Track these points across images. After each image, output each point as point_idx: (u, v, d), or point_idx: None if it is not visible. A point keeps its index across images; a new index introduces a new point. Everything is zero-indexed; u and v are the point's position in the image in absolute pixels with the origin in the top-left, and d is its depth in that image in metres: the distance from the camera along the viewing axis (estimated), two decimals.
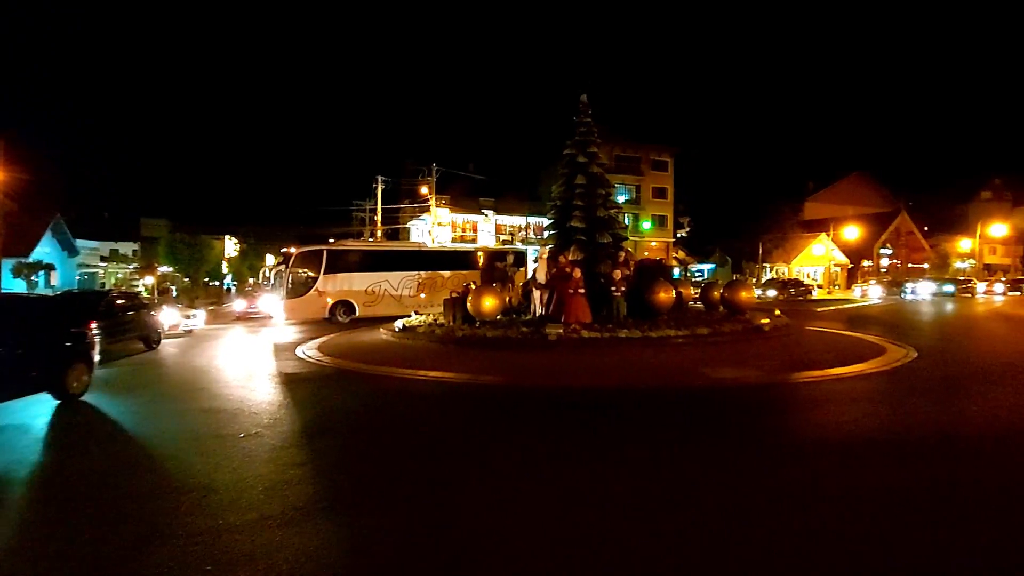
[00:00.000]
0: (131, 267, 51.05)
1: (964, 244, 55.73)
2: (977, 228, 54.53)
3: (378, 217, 39.54)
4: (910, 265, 52.83)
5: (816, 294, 40.70)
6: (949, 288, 37.32)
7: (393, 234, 50.51)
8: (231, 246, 61.23)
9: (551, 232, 17.01)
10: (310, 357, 12.43)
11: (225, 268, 56.25)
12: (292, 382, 9.55)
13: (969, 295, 36.73)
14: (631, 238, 35.44)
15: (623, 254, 15.20)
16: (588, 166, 16.44)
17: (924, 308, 27.07)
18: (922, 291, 36.95)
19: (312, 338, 15.76)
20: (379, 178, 38.54)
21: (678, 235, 52.62)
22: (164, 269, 47.09)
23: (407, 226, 46.95)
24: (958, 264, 53.97)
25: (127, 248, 54.35)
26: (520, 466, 5.12)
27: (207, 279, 51.62)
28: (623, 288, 14.00)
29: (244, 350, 14.59)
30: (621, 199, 40.85)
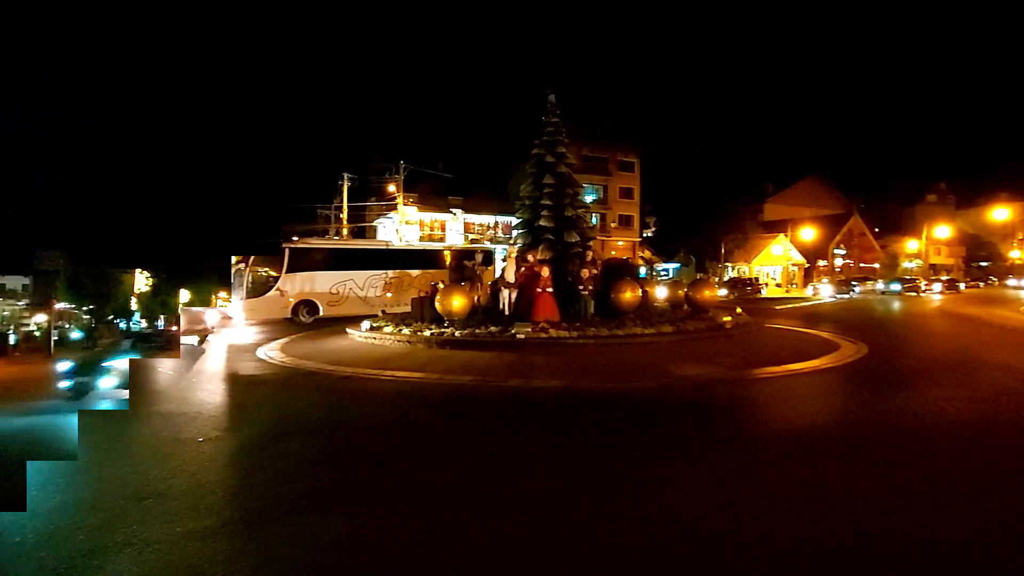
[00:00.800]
0: (21, 303, 46.33)
1: (911, 245, 58.58)
2: (923, 230, 57.41)
3: (344, 215, 38.82)
4: (862, 265, 55.13)
5: (764, 292, 42.78)
6: (896, 287, 39.86)
7: (359, 232, 49.70)
8: (142, 280, 56.37)
9: (520, 231, 17.06)
10: (272, 358, 12.14)
11: (134, 304, 51.07)
12: (253, 384, 9.31)
13: (914, 293, 38.95)
14: (598, 237, 35.94)
15: (591, 253, 15.37)
16: (556, 166, 16.56)
17: (873, 306, 28.35)
18: (861, 289, 40.12)
19: (273, 339, 15.38)
20: (345, 175, 37.87)
21: (644, 235, 53.54)
22: (62, 306, 42.42)
23: (374, 224, 46.28)
24: (906, 264, 56.67)
25: (16, 283, 49.70)
26: (491, 467, 5.11)
27: (112, 317, 46.35)
28: (591, 287, 14.14)
29: (204, 354, 14.13)
30: (589, 199, 41.32)
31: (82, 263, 44.99)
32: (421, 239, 39.90)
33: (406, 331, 13.85)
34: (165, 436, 6.17)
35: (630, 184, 49.98)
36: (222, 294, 43.48)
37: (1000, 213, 51.08)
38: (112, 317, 46.22)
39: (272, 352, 12.89)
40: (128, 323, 47.41)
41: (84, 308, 43.45)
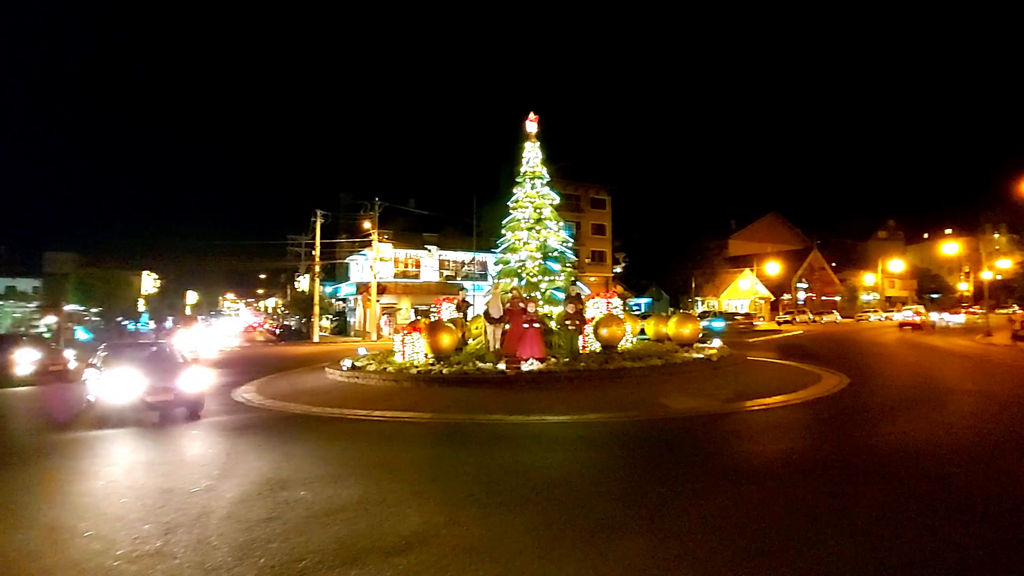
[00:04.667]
0: (32, 305, 46.02)
1: (868, 279, 61.24)
2: (878, 264, 60.19)
3: (316, 252, 38.23)
4: (824, 298, 57.20)
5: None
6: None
7: (332, 268, 48.93)
8: (149, 282, 57.20)
9: (503, 267, 17.07)
10: (249, 400, 11.59)
11: (142, 306, 52.05)
12: (235, 428, 8.81)
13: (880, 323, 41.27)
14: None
15: (575, 289, 15.44)
16: (536, 201, 16.78)
17: (840, 336, 29.31)
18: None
19: (245, 381, 14.66)
20: (318, 212, 37.49)
21: (615, 270, 54.41)
22: (72, 307, 42.69)
23: (346, 261, 45.68)
24: (864, 297, 59.07)
25: (27, 285, 49.32)
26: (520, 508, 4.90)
27: (120, 318, 47.29)
28: (576, 322, 14.17)
29: None
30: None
31: (91, 265, 44.25)
32: (396, 275, 39.52)
33: (391, 369, 13.51)
34: (151, 486, 5.73)
35: (602, 220, 51.06)
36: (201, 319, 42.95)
37: (950, 247, 54.11)
38: (121, 319, 46.16)
39: (248, 394, 12.33)
40: (136, 324, 47.64)
41: (93, 310, 42.70)
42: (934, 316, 41.20)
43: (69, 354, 18.67)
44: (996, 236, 59.04)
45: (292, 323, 43.89)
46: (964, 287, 57.21)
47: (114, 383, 9.05)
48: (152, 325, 48.37)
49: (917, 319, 34.97)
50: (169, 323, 48.96)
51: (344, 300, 46.11)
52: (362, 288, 38.69)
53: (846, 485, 5.20)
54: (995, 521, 4.31)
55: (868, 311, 54.33)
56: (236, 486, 5.65)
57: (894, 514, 4.44)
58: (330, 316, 46.03)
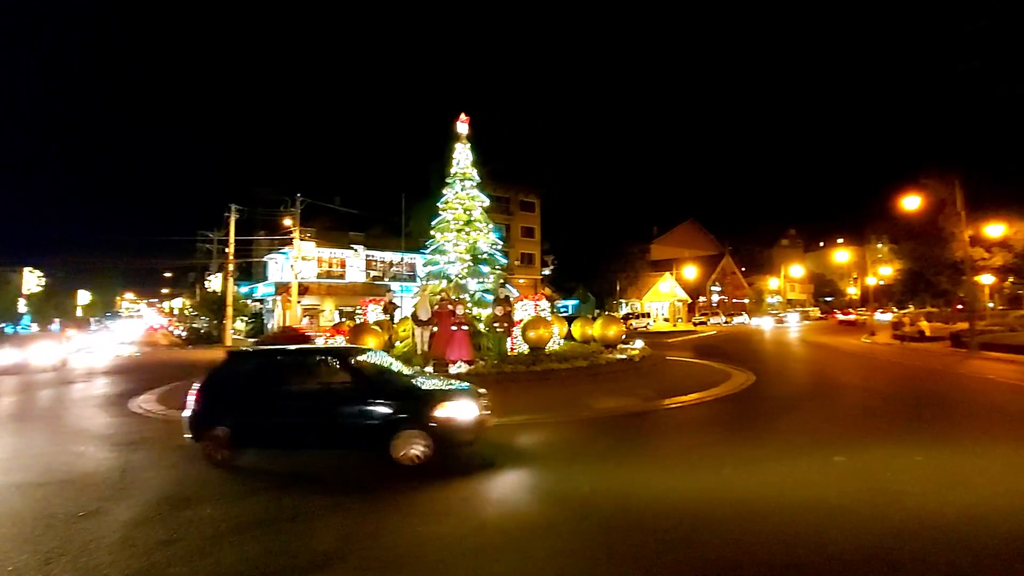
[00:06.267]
0: None
1: (773, 283, 66.33)
2: (781, 269, 65.33)
3: (230, 249, 35.82)
4: (735, 300, 61.29)
5: (652, 326, 46.85)
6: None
7: (248, 267, 46.14)
8: (33, 280, 51.37)
9: (432, 269, 16.85)
10: (149, 411, 10.65)
11: (24, 306, 46.52)
12: (133, 443, 8.06)
13: (783, 324, 46.48)
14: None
15: (504, 291, 15.51)
16: (466, 203, 16.72)
17: (747, 336, 31.58)
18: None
19: (145, 389, 13.47)
20: (232, 206, 35.17)
21: (544, 273, 55.33)
22: None
23: (264, 260, 43.21)
24: (769, 300, 63.92)
25: None
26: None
27: None
28: (505, 324, 14.25)
29: (59, 405, 12.04)
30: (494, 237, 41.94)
31: None
32: (319, 275, 37.93)
33: None
34: (28, 513, 5.09)
35: (531, 223, 51.72)
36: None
37: (841, 255, 59.74)
38: None
39: (148, 404, 11.32)
40: (16, 327, 41.96)
41: None
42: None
43: None
44: (879, 246, 65.89)
45: (201, 325, 40.70)
46: (853, 291, 63.43)
47: None
48: (35, 328, 43.23)
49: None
50: (56, 326, 44.07)
51: (261, 301, 43.55)
52: (282, 288, 36.72)
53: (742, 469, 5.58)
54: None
55: (775, 313, 59.06)
56: (131, 507, 5.15)
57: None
58: (245, 318, 43.31)
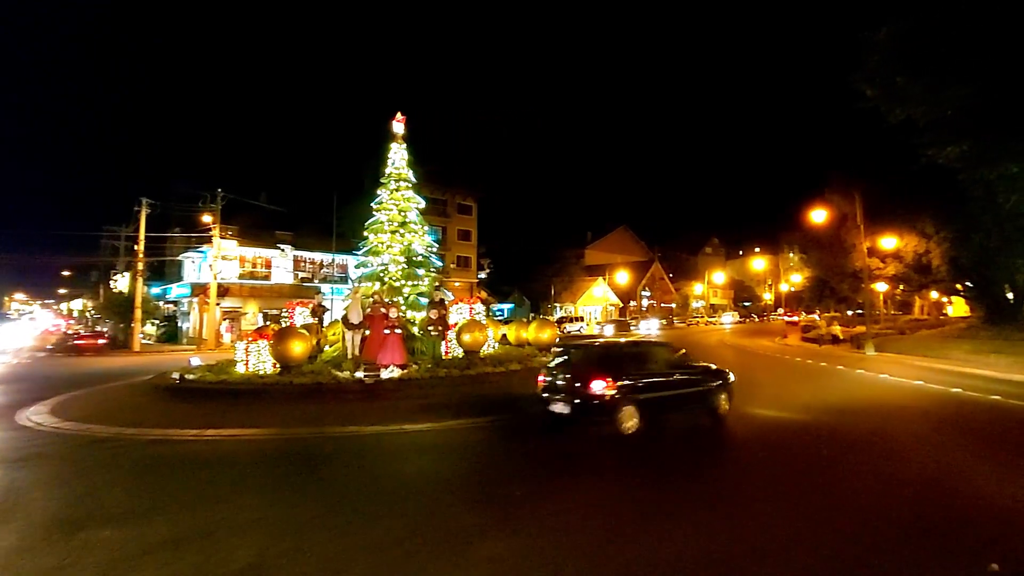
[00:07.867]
0: None
1: (697, 288, 69.95)
2: (705, 275, 68.97)
3: (140, 246, 33.04)
4: (663, 305, 64.03)
5: (585, 329, 48.50)
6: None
7: (160, 267, 42.86)
8: None
9: (364, 271, 16.37)
10: (41, 424, 9.61)
11: None
12: (19, 459, 7.23)
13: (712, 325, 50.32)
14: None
15: (439, 294, 15.33)
16: (401, 204, 16.40)
17: (674, 338, 33.05)
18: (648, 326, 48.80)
19: (36, 398, 12.17)
20: (144, 200, 32.52)
21: (480, 276, 55.31)
22: None
23: (179, 259, 40.24)
24: (694, 304, 67.30)
25: None
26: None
27: None
28: (440, 327, 14.08)
29: None
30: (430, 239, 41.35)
31: None
32: (241, 276, 35.89)
33: (230, 381, 12.16)
34: None
35: (468, 226, 51.56)
36: None
37: (758, 263, 64.04)
38: None
39: (39, 416, 10.22)
40: None
41: None
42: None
43: None
44: (791, 255, 71.10)
45: (106, 328, 37.21)
46: (768, 297, 67.99)
47: None
48: None
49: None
50: None
51: (176, 303, 40.53)
52: (199, 289, 34.40)
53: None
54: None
55: (698, 316, 62.27)
56: (17, 530, 4.61)
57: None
58: (156, 321, 40.14)
